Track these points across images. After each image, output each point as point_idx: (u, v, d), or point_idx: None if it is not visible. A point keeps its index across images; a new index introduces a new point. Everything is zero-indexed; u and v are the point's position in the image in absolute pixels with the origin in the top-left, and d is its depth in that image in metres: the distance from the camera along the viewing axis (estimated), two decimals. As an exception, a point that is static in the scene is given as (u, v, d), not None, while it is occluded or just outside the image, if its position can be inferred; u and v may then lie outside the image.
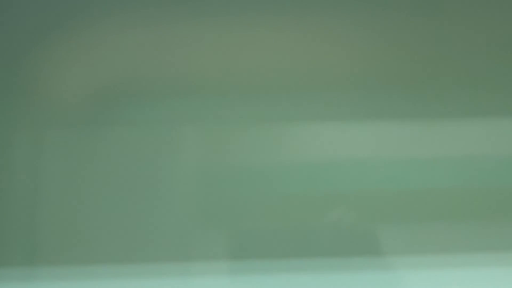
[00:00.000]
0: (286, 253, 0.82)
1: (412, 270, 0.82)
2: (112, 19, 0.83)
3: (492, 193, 0.83)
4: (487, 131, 0.84)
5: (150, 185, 0.83)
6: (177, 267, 0.82)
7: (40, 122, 0.83)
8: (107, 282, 0.82)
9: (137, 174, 0.83)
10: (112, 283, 0.82)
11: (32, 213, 0.83)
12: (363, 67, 0.84)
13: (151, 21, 0.84)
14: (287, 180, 0.83)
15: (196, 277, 0.82)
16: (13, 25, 0.83)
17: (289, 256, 0.82)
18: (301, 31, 0.84)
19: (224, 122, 0.83)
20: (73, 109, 0.83)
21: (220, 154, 0.83)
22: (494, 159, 0.83)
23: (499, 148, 0.84)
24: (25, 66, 0.83)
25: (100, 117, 0.83)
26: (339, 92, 0.84)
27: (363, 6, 0.84)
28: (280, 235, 0.82)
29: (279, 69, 0.84)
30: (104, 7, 0.83)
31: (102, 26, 0.83)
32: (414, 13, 0.84)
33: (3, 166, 0.83)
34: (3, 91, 0.83)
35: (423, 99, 0.84)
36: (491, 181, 0.83)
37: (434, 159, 0.83)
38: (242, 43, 0.84)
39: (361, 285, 0.81)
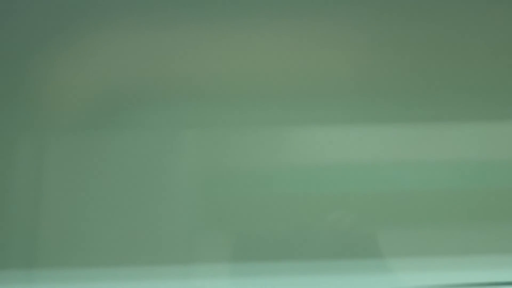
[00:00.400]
0: (286, 255, 0.82)
1: (412, 272, 0.82)
2: (116, 24, 0.84)
3: (492, 195, 0.83)
4: (486, 134, 0.84)
5: (152, 188, 0.83)
6: (179, 269, 0.82)
7: (42, 126, 0.83)
8: (108, 284, 0.82)
9: (138, 177, 0.83)
10: (113, 285, 0.82)
11: (33, 216, 0.83)
12: (364, 71, 0.84)
13: (153, 27, 0.84)
14: (288, 183, 0.83)
15: (198, 279, 0.82)
16: (17, 30, 0.83)
17: (289, 258, 0.82)
18: (303, 36, 0.84)
19: (225, 125, 0.84)
20: (75, 113, 0.84)
21: (222, 157, 0.84)
22: (493, 162, 0.84)
23: (498, 151, 0.84)
24: (29, 70, 0.83)
25: (102, 121, 0.83)
26: (339, 96, 0.84)
27: (364, 11, 0.84)
28: (281, 237, 0.83)
29: (280, 73, 0.84)
30: (107, 12, 0.84)
31: (106, 31, 0.84)
32: (413, 18, 0.85)
33: (5, 168, 0.83)
34: (7, 95, 0.83)
35: (423, 103, 0.84)
36: (490, 184, 0.83)
37: (434, 162, 0.84)
38: (244, 47, 0.84)
39: (361, 287, 0.82)
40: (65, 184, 0.83)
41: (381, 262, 0.82)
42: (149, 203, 0.83)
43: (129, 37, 0.84)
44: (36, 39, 0.83)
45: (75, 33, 0.84)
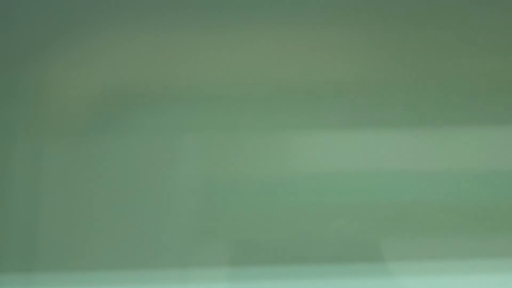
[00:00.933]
0: (286, 261, 0.82)
1: (413, 280, 0.82)
2: (116, 27, 0.83)
3: (494, 205, 0.83)
4: (490, 141, 0.84)
5: (152, 192, 0.83)
6: (178, 274, 0.82)
7: (41, 129, 0.83)
8: None
9: (138, 181, 0.83)
10: None
11: (32, 219, 0.83)
12: (370, 76, 0.84)
13: (154, 29, 0.83)
14: (289, 189, 0.83)
15: (197, 285, 0.82)
16: (17, 32, 0.83)
17: (289, 264, 0.82)
18: (303, 40, 0.84)
19: (227, 131, 0.83)
20: (75, 116, 0.83)
21: (223, 163, 0.83)
22: (497, 170, 0.83)
23: (502, 159, 0.84)
24: (28, 72, 0.83)
25: (102, 124, 0.83)
26: (342, 102, 0.84)
27: (363, 14, 0.84)
28: (281, 244, 0.82)
29: (283, 78, 0.84)
30: (108, 14, 0.83)
31: (106, 34, 0.83)
32: (413, 21, 0.84)
33: (4, 171, 0.83)
34: (5, 97, 0.83)
35: (427, 109, 0.84)
36: (492, 193, 0.83)
37: (437, 170, 0.83)
38: (246, 52, 0.84)
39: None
40: (64, 188, 0.83)
41: (383, 270, 0.82)
42: (151, 208, 0.83)
43: (130, 39, 0.83)
44: (35, 40, 0.83)
45: (75, 35, 0.83)
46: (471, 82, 0.84)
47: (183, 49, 0.84)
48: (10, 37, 0.83)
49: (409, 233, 0.82)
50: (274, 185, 0.83)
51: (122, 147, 0.83)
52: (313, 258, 0.82)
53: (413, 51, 0.84)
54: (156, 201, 0.83)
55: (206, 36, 0.84)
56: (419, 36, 0.84)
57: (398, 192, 0.83)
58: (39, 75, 0.83)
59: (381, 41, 0.84)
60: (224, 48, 0.84)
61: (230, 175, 0.83)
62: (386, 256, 0.82)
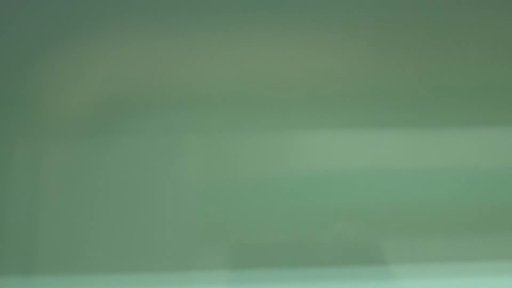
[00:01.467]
0: (287, 263, 0.82)
1: (413, 281, 0.81)
2: (116, 30, 0.83)
3: (494, 205, 0.82)
4: (490, 142, 0.83)
5: (153, 194, 0.83)
6: (179, 276, 0.82)
7: (42, 132, 0.83)
8: None
9: (139, 184, 0.83)
10: None
11: (32, 222, 0.83)
12: (367, 76, 0.84)
13: (154, 33, 0.84)
14: (290, 191, 0.83)
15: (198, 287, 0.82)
16: (18, 36, 0.83)
17: (289, 267, 0.82)
18: (303, 42, 0.84)
19: (227, 133, 0.83)
20: (75, 120, 0.83)
21: (223, 165, 0.83)
22: (497, 170, 0.83)
23: (503, 159, 0.83)
24: (28, 76, 0.83)
25: (102, 127, 0.83)
26: (343, 103, 0.84)
27: (364, 17, 0.84)
28: (282, 246, 0.82)
29: (282, 79, 0.84)
30: (108, 18, 0.83)
31: (106, 37, 0.83)
32: (413, 23, 0.84)
33: (4, 174, 0.83)
34: (6, 102, 0.83)
35: (427, 110, 0.84)
36: (492, 193, 0.83)
37: (437, 170, 0.83)
38: (245, 54, 0.84)
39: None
40: (64, 191, 0.83)
41: (383, 271, 0.81)
42: (151, 210, 0.83)
43: (129, 42, 0.83)
44: (35, 45, 0.83)
45: (75, 38, 0.83)
46: (472, 83, 0.84)
47: (182, 52, 0.84)
48: (10, 41, 0.83)
49: (410, 234, 0.82)
50: (276, 187, 0.83)
51: (122, 150, 0.83)
52: (314, 261, 0.82)
53: (412, 52, 0.84)
54: (157, 203, 0.83)
55: (205, 39, 0.84)
56: (419, 38, 0.84)
57: (399, 193, 0.82)
58: (40, 78, 0.84)
59: (381, 43, 0.84)
60: (224, 50, 0.84)
61: (231, 177, 0.83)
62: (388, 258, 0.81)
